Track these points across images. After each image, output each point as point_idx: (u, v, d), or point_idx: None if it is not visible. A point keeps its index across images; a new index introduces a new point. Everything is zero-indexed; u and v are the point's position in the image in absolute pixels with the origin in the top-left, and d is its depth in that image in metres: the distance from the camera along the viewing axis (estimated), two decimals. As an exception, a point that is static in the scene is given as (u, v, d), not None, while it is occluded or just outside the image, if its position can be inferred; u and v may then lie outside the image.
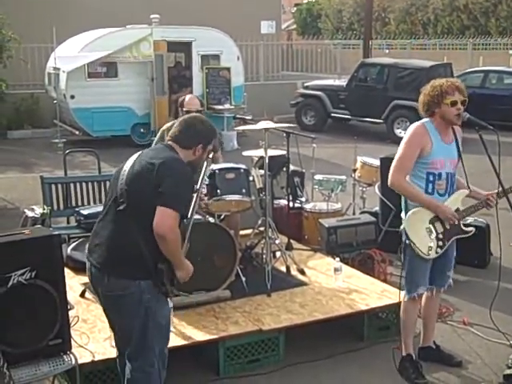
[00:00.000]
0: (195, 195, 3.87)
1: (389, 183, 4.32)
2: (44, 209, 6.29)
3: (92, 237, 3.73)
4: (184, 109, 5.96)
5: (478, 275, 6.53)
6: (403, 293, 4.56)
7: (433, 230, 4.33)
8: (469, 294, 5.99)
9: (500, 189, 4.35)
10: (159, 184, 3.42)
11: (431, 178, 4.32)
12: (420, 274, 4.42)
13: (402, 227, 4.41)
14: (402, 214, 4.42)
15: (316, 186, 7.66)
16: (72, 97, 13.60)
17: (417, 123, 4.36)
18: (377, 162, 7.34)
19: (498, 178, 4.34)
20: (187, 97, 6.15)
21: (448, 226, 4.36)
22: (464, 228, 4.43)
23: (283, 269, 5.78)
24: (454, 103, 4.25)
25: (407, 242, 4.32)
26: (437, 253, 4.37)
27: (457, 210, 4.40)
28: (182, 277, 3.60)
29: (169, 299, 3.68)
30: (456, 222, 4.37)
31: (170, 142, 3.70)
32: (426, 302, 4.66)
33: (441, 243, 4.37)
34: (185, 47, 15.05)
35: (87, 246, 3.80)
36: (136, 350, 3.60)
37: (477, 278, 6.49)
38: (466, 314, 5.55)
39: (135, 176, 3.53)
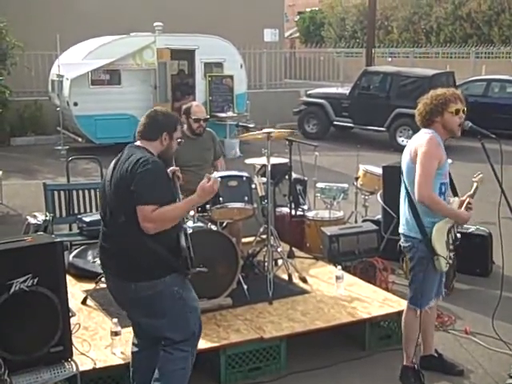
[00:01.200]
0: (174, 177, 4.06)
1: (418, 199, 4.17)
2: (46, 216, 6.29)
3: (101, 250, 3.83)
4: (193, 117, 5.95)
5: (480, 284, 6.51)
6: (404, 303, 4.54)
7: (448, 241, 4.34)
8: (471, 303, 5.98)
9: (473, 190, 4.45)
10: (131, 185, 3.55)
11: (443, 189, 4.32)
12: (433, 288, 4.43)
13: (406, 244, 4.40)
14: (407, 231, 4.36)
15: (318, 194, 7.66)
16: (75, 104, 13.65)
17: (428, 134, 4.26)
18: (379, 171, 7.34)
19: (501, 187, 4.35)
20: (193, 104, 6.12)
21: (454, 236, 4.38)
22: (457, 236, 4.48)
23: (285, 277, 5.78)
24: (457, 111, 4.25)
25: (434, 257, 4.24)
26: (449, 264, 4.38)
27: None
28: (210, 196, 3.78)
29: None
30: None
31: (138, 141, 3.81)
32: (426, 311, 4.64)
33: (451, 254, 4.39)
34: (188, 55, 15.10)
35: (98, 259, 3.88)
36: (180, 338, 3.74)
37: (479, 286, 6.47)
38: (468, 322, 5.54)
39: (116, 186, 3.66)
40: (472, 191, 4.48)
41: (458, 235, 4.47)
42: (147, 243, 3.56)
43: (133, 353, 4.01)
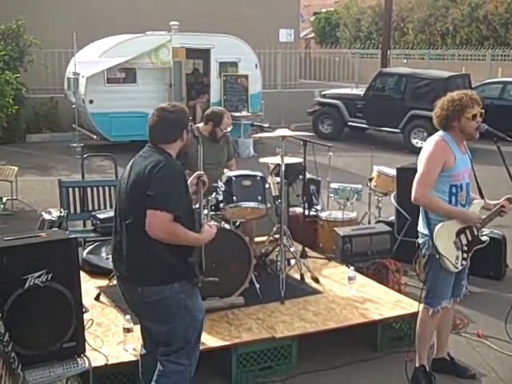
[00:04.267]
0: (199, 182, 4.04)
1: (412, 198, 4.26)
2: (61, 212, 6.34)
3: (113, 251, 3.79)
4: (222, 128, 5.89)
5: (493, 287, 6.48)
6: (416, 304, 4.53)
7: (458, 242, 4.32)
8: (484, 306, 5.95)
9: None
10: (147, 189, 3.47)
11: (454, 191, 4.31)
12: (444, 288, 4.40)
13: (420, 240, 4.40)
14: (421, 228, 4.40)
15: (332, 195, 7.65)
16: (91, 101, 13.71)
17: (436, 137, 4.32)
18: (393, 172, 7.32)
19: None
20: (226, 116, 6.01)
21: (470, 238, 4.37)
22: (481, 238, 4.43)
23: (297, 276, 5.78)
24: (474, 116, 4.26)
25: (437, 256, 4.25)
26: (462, 265, 4.37)
27: None
28: (207, 241, 3.74)
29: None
30: (481, 227, 4.40)
31: (154, 144, 3.69)
32: (442, 312, 4.63)
33: (465, 255, 4.37)
34: (203, 54, 15.12)
35: (111, 259, 3.85)
36: (176, 347, 3.67)
37: (492, 289, 6.44)
38: (480, 326, 5.52)
39: (131, 188, 3.59)
40: None
41: (485, 238, 4.44)
42: (156, 249, 3.50)
43: (141, 355, 3.98)
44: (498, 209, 4.40)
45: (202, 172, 4.17)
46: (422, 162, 4.28)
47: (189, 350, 3.71)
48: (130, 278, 3.64)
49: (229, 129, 6.03)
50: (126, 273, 3.65)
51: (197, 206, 4.04)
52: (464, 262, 4.38)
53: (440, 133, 4.35)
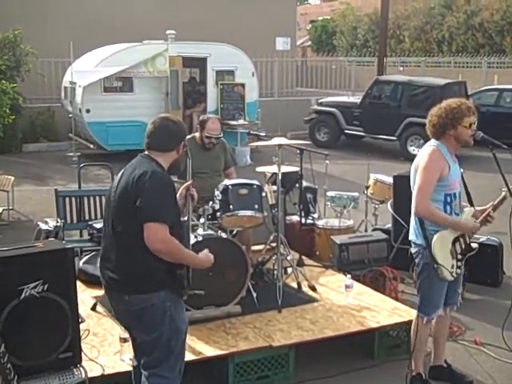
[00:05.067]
0: (187, 195, 4.04)
1: (414, 211, 4.27)
2: (57, 222, 6.32)
3: (101, 258, 3.75)
4: (205, 134, 5.98)
5: (490, 294, 6.48)
6: (414, 312, 4.53)
7: (454, 251, 4.33)
8: (481, 314, 5.95)
9: (497, 200, 4.39)
10: (136, 199, 3.45)
11: (449, 200, 4.32)
12: (439, 297, 4.41)
13: (413, 250, 4.41)
14: (413, 237, 4.40)
15: (328, 203, 7.66)
16: (87, 111, 13.72)
17: (430, 147, 4.32)
18: (390, 180, 7.33)
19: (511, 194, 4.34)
20: (210, 120, 6.10)
21: (464, 246, 4.37)
22: (472, 246, 4.45)
23: (294, 285, 5.77)
24: (471, 125, 4.27)
25: (435, 266, 4.25)
26: (457, 273, 4.38)
27: None
28: (202, 267, 3.72)
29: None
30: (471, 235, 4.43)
31: (148, 151, 3.69)
32: (438, 320, 4.62)
33: (459, 263, 4.38)
34: (200, 63, 15.16)
35: (99, 265, 3.82)
36: (158, 357, 3.61)
37: (489, 297, 6.44)
38: (477, 333, 5.51)
39: (119, 197, 3.57)
40: (496, 201, 4.42)
41: (474, 245, 4.45)
42: (145, 257, 3.47)
43: (133, 367, 3.93)
44: (484, 218, 4.40)
45: (191, 182, 4.14)
46: (418, 172, 4.28)
47: (171, 361, 3.63)
48: (118, 286, 3.60)
49: (214, 134, 6.00)
50: (114, 281, 3.61)
51: (185, 218, 3.99)
52: (459, 270, 4.39)
53: (433, 142, 4.35)
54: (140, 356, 3.75)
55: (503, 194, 4.40)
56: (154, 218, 3.41)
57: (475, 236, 4.60)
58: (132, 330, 3.78)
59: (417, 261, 4.41)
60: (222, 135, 6.17)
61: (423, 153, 4.34)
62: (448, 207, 4.32)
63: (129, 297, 3.55)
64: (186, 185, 4.13)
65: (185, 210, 4.07)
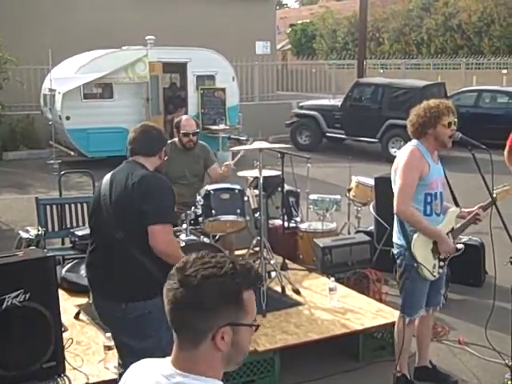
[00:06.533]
0: None
1: (396, 211, 4.26)
2: (39, 230, 6.27)
3: (91, 268, 3.72)
4: (181, 131, 5.97)
5: (473, 294, 6.52)
6: (398, 313, 4.55)
7: (436, 250, 4.34)
8: (464, 313, 5.98)
9: (486, 202, 4.43)
10: (141, 204, 3.49)
11: (429, 199, 4.33)
12: (421, 297, 4.42)
13: (395, 251, 4.42)
14: (395, 238, 4.42)
15: (311, 206, 7.67)
16: (67, 118, 13.65)
17: (410, 147, 4.34)
18: (371, 182, 7.36)
19: (491, 196, 4.37)
20: (183, 118, 6.16)
21: None
22: (457, 246, 4.46)
23: (278, 289, 5.77)
24: (449, 124, 4.29)
25: (415, 264, 4.27)
26: (439, 273, 4.40)
27: (452, 230, 4.43)
28: None
29: None
30: (456, 236, 4.43)
31: (134, 157, 3.74)
32: (421, 321, 4.64)
33: (442, 263, 4.40)
34: (180, 68, 15.13)
35: (87, 278, 3.79)
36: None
37: (472, 296, 6.48)
38: (461, 333, 5.54)
39: (117, 204, 3.56)
40: (486, 203, 4.45)
41: (460, 246, 4.45)
42: (143, 263, 3.50)
43: (119, 374, 3.88)
44: (473, 217, 4.43)
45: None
46: (398, 172, 4.30)
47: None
48: (115, 295, 3.58)
49: (190, 130, 5.98)
50: (111, 289, 3.59)
51: None
52: (441, 270, 4.41)
53: (413, 142, 4.37)
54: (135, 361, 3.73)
55: (494, 195, 4.43)
56: (162, 220, 3.49)
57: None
58: (127, 338, 3.72)
59: (398, 261, 4.42)
60: (198, 130, 6.15)
61: (402, 153, 4.35)
62: (428, 207, 4.33)
63: (126, 305, 3.55)
64: None
65: None
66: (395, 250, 4.45)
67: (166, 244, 3.48)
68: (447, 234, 4.39)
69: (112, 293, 3.59)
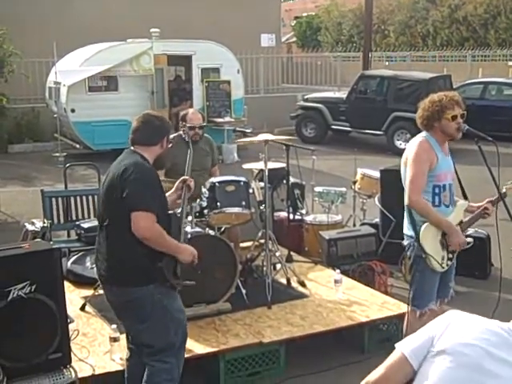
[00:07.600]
0: (184, 187, 4.14)
1: (407, 203, 4.27)
2: (44, 222, 6.28)
3: (95, 253, 3.87)
4: (187, 124, 5.95)
5: (478, 286, 6.51)
6: (403, 306, 4.54)
7: (444, 242, 4.33)
8: (470, 306, 5.90)
9: (495, 197, 4.41)
10: (122, 192, 3.56)
11: (437, 191, 4.33)
12: (431, 289, 4.41)
13: (405, 242, 4.41)
14: (406, 229, 4.41)
15: (316, 198, 7.66)
16: (72, 110, 13.65)
17: (419, 139, 4.33)
18: (377, 174, 7.34)
19: (498, 189, 4.36)
20: (190, 112, 6.12)
21: None
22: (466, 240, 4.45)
23: (283, 281, 5.77)
24: (454, 117, 4.27)
25: (423, 255, 4.26)
26: (448, 265, 4.38)
27: (460, 223, 4.43)
28: (185, 260, 3.73)
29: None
30: (464, 229, 4.42)
31: (133, 147, 3.81)
32: (430, 314, 4.62)
33: (451, 255, 4.38)
34: (185, 61, 15.10)
35: (94, 260, 3.96)
36: (159, 346, 3.72)
37: (478, 289, 6.47)
38: (467, 325, 5.52)
39: (106, 191, 3.70)
40: (495, 197, 4.44)
41: (469, 239, 4.43)
42: (131, 249, 3.60)
43: (127, 359, 4.01)
44: (481, 211, 4.42)
45: (188, 178, 4.25)
46: (407, 164, 4.29)
47: (174, 349, 3.77)
48: (108, 279, 3.73)
49: (196, 123, 5.96)
50: (105, 273, 3.73)
51: (178, 211, 4.10)
52: (450, 262, 4.39)
53: (423, 134, 4.38)
54: (137, 346, 3.84)
55: (504, 190, 4.42)
56: (140, 207, 3.53)
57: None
58: (125, 322, 3.88)
59: (408, 253, 4.41)
60: (205, 124, 6.14)
61: (411, 145, 4.35)
62: (436, 198, 4.32)
63: (117, 289, 3.68)
64: (183, 178, 4.24)
65: (179, 201, 4.17)
66: (405, 242, 4.44)
67: (146, 229, 3.53)
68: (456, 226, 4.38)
69: (107, 277, 3.73)
